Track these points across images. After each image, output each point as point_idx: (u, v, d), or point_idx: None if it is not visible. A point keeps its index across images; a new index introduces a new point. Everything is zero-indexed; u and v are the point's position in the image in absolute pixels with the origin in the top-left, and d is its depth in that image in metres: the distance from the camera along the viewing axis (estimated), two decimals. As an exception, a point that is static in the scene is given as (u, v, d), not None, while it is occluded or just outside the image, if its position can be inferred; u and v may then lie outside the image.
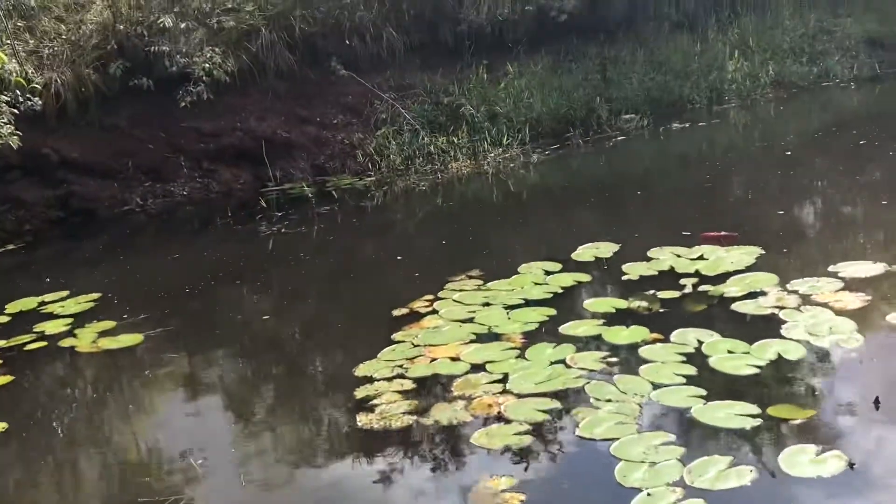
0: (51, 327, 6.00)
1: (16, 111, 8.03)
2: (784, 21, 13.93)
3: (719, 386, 4.10)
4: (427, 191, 9.72)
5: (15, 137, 7.67)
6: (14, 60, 9.39)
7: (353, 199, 9.47)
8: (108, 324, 5.99)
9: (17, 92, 8.29)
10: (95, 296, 6.62)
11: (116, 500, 3.89)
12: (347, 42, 11.63)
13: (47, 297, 6.67)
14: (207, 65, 10.27)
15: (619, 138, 10.99)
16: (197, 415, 4.69)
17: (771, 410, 3.79)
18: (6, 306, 6.55)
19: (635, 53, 12.72)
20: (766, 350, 4.38)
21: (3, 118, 7.62)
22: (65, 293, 6.74)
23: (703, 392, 4.03)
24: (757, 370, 4.22)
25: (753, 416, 3.76)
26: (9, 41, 9.73)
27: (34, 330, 5.95)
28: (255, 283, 6.93)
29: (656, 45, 12.95)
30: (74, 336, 5.80)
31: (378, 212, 9.10)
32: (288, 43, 11.24)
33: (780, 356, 4.32)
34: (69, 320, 6.11)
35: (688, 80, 12.40)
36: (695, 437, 3.69)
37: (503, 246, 7.23)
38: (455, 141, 11.02)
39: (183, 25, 10.51)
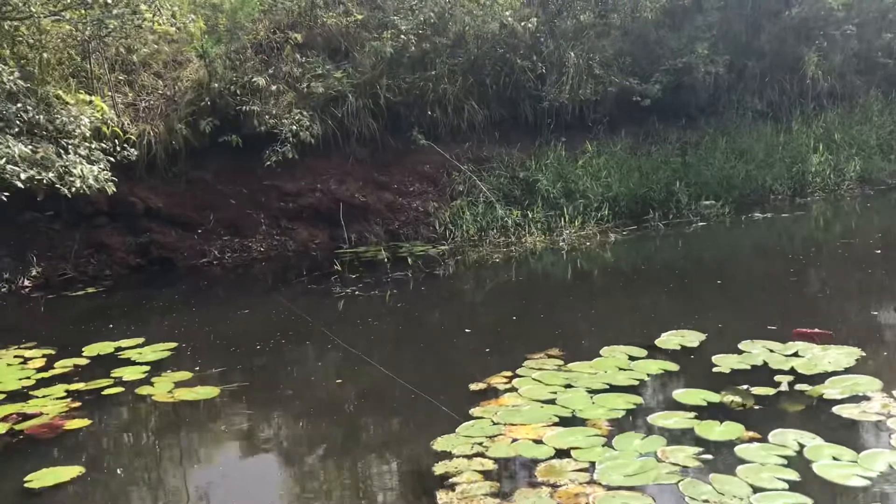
0: (128, 373, 6.03)
1: (112, 159, 8.29)
2: (872, 117, 13.69)
3: (826, 495, 3.83)
4: (500, 263, 9.65)
5: (111, 183, 7.90)
6: (113, 111, 9.76)
7: (427, 267, 9.44)
8: (184, 374, 6.00)
9: (115, 141, 8.58)
10: (171, 345, 6.67)
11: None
12: (430, 112, 11.83)
13: (124, 343, 6.75)
14: (295, 126, 10.52)
15: (699, 224, 10.81)
16: (268, 479, 4.56)
17: (886, 528, 3.52)
18: (84, 349, 6.63)
19: (717, 140, 12.63)
20: (876, 460, 4.09)
21: (100, 165, 7.86)
22: (141, 340, 6.81)
23: (810, 501, 3.75)
24: (868, 482, 3.93)
25: (866, 533, 3.49)
26: (110, 93, 10.13)
27: (112, 375, 5.99)
28: (328, 345, 6.87)
29: (738, 133, 12.85)
30: (151, 384, 5.81)
31: (451, 281, 9.03)
32: (372, 110, 11.50)
33: (892, 468, 4.03)
34: (146, 368, 6.15)
35: (770, 169, 12.22)
36: (803, 550, 3.43)
37: (581, 326, 7.06)
38: (530, 215, 11.00)
39: (274, 88, 10.84)
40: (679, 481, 4.02)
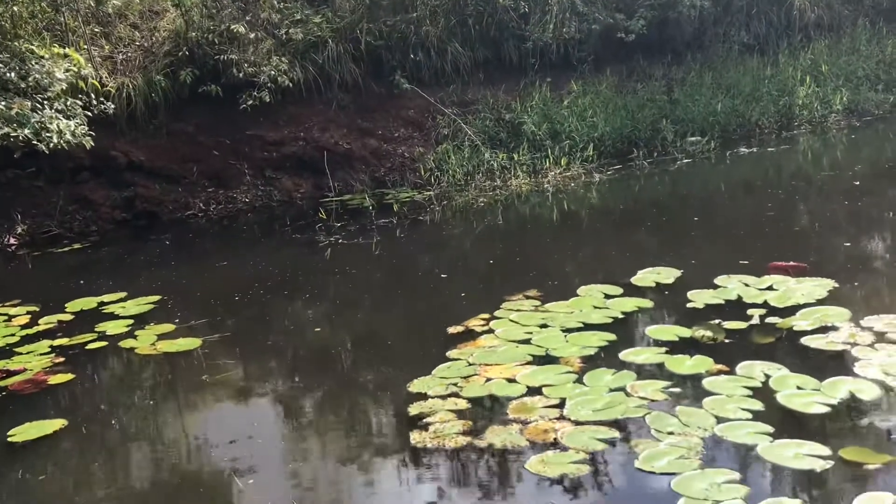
0: (112, 328, 6.09)
1: (89, 114, 8.23)
2: (860, 47, 13.53)
3: (787, 423, 3.92)
4: (486, 207, 9.67)
5: (88, 138, 7.86)
6: (90, 65, 9.65)
7: (412, 213, 9.45)
8: (167, 327, 6.07)
9: (92, 95, 8.50)
10: (154, 298, 6.73)
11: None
12: (412, 56, 11.69)
13: (107, 298, 6.79)
14: (273, 72, 10.40)
15: (684, 161, 10.79)
16: (249, 424, 4.63)
17: (843, 453, 3.60)
18: (66, 305, 6.68)
19: (703, 75, 12.51)
20: (838, 388, 4.19)
21: (77, 120, 7.80)
22: (123, 294, 6.85)
23: (770, 429, 3.85)
24: (828, 409, 4.02)
25: (824, 458, 3.58)
26: (86, 46, 10.00)
27: (96, 329, 6.06)
28: (310, 293, 6.95)
29: (725, 67, 12.73)
30: (135, 337, 5.88)
31: (436, 226, 9.06)
32: (353, 55, 11.35)
33: (852, 395, 4.12)
34: (129, 321, 6.21)
35: (757, 104, 12.13)
36: (761, 476, 3.53)
37: (561, 266, 7.12)
38: (515, 158, 10.97)
39: (252, 35, 10.69)
40: (646, 414, 4.11)
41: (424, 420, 4.26)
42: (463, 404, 4.41)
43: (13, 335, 6.05)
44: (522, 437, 4.00)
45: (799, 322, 5.09)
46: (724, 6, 12.99)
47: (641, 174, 10.44)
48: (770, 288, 5.74)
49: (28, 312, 6.55)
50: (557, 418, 4.16)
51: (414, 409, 4.38)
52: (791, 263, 6.04)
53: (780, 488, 3.43)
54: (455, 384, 4.64)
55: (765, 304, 5.45)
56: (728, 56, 12.91)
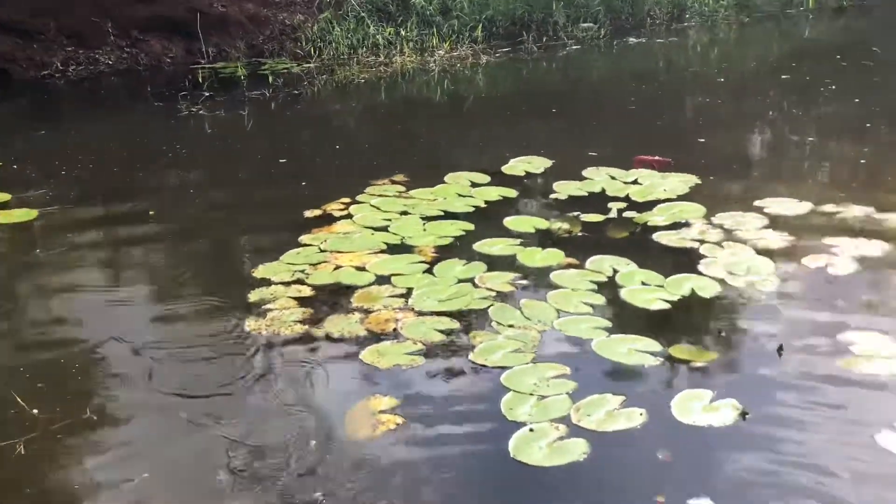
0: (-61, 196, 5.57)
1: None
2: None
3: (626, 319, 3.95)
4: (368, 84, 9.28)
5: None
6: None
7: (288, 86, 8.97)
8: (3, 196, 5.59)
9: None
10: (-3, 164, 6.19)
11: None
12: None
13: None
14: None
15: (574, 47, 10.58)
16: (76, 302, 4.35)
17: (672, 351, 3.65)
18: None
19: (601, -41, 12.13)
20: (681, 285, 4.22)
21: None
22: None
23: (608, 324, 3.87)
24: (668, 305, 4.06)
25: (654, 355, 3.62)
26: None
27: (-83, 197, 5.52)
28: (163, 167, 6.52)
29: (624, -47, 12.37)
30: (-35, 207, 5.39)
31: (312, 102, 8.64)
32: None
33: (693, 292, 4.17)
34: (-40, 189, 5.68)
35: (652, -8, 11.93)
36: (590, 371, 3.53)
37: (435, 150, 6.93)
38: (402, 33, 10.50)
39: None
40: (490, 306, 4.05)
41: (264, 307, 4.08)
42: (307, 291, 4.25)
43: None
44: (362, 327, 3.88)
45: (655, 217, 5.11)
46: None
47: (529, 58, 10.21)
48: (635, 182, 5.73)
49: None
50: (401, 308, 4.06)
51: (254, 296, 4.20)
52: (656, 158, 6.03)
53: (606, 384, 3.44)
54: (302, 271, 4.46)
55: (626, 198, 5.45)
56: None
